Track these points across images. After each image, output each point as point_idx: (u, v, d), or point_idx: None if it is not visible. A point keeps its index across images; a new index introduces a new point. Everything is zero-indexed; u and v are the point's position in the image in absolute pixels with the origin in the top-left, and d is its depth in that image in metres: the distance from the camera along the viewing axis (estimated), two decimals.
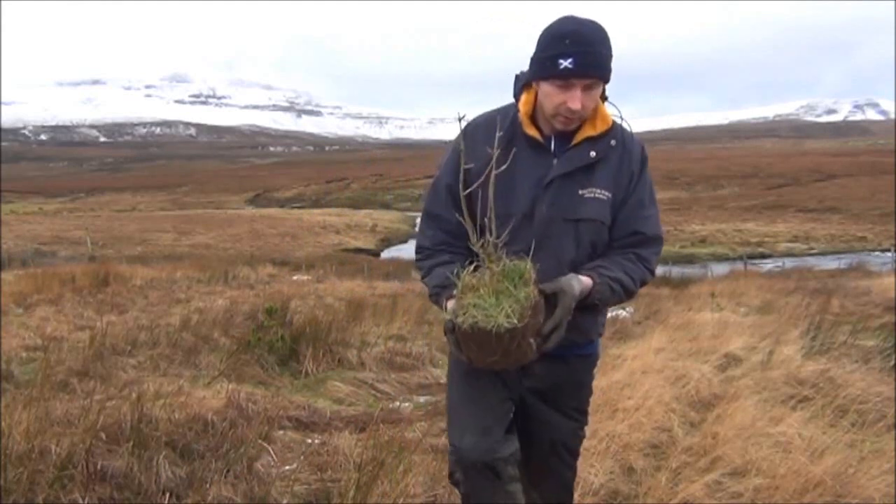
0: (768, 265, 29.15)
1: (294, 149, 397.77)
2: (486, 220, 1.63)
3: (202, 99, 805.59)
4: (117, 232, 45.78)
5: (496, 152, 1.63)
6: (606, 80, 1.71)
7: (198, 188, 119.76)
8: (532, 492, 1.96)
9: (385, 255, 43.28)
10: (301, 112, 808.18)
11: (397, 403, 4.49)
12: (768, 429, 3.11)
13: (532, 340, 1.57)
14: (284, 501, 2.67)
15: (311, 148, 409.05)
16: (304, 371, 5.08)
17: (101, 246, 36.18)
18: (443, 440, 3.43)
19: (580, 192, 1.77)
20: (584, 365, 1.96)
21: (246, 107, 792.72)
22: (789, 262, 29.52)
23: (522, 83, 1.83)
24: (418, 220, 2.02)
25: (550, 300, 1.63)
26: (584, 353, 1.93)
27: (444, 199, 1.86)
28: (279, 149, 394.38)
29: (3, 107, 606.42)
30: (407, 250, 37.81)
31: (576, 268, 1.77)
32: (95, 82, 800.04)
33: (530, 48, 1.75)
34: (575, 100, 1.67)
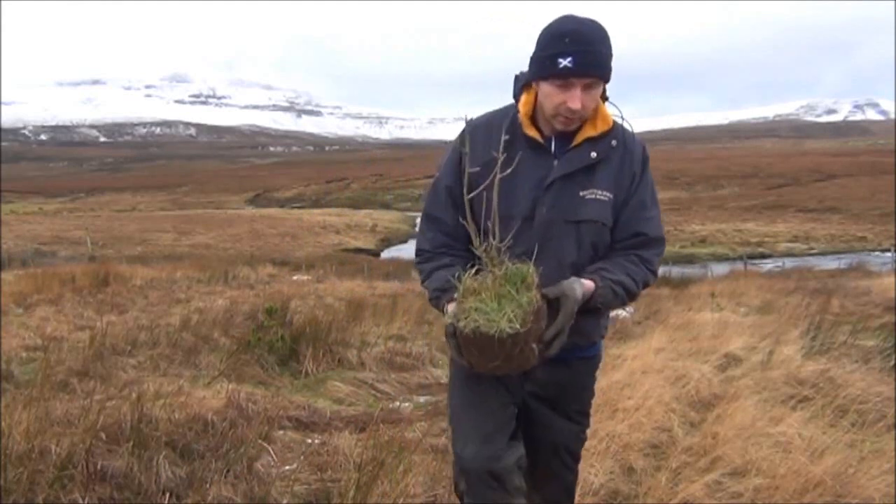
0: (768, 265, 29.16)
1: (294, 149, 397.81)
2: (488, 223, 1.61)
3: (202, 99, 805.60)
4: (117, 232, 45.79)
5: (500, 156, 1.61)
6: (607, 80, 1.69)
7: (198, 188, 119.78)
8: (534, 495, 1.95)
9: (385, 255, 43.28)
10: (301, 112, 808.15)
11: (397, 403, 4.49)
12: (768, 429, 3.11)
13: (534, 345, 1.55)
14: (284, 501, 2.67)
15: (311, 148, 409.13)
16: (304, 371, 5.08)
17: (101, 246, 36.18)
18: (443, 440, 3.44)
19: (581, 193, 1.75)
20: (586, 367, 1.94)
21: (246, 107, 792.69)
22: (789, 262, 29.52)
23: (522, 84, 1.81)
24: (418, 220, 2.01)
25: (553, 305, 1.61)
26: (586, 355, 1.91)
27: (444, 201, 1.84)
28: (279, 149, 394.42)
29: (3, 107, 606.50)
30: (407, 250, 37.81)
31: (577, 270, 1.75)
32: (95, 82, 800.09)
33: (530, 48, 1.74)
34: (575, 99, 1.65)
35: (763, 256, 37.61)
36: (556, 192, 1.74)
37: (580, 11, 1.71)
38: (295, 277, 17.54)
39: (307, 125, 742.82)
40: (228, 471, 2.80)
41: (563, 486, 2.00)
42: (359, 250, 44.15)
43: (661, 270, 1.96)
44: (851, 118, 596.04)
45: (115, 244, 38.67)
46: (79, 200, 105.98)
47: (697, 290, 12.45)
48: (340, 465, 3.04)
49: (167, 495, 2.55)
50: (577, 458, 2.01)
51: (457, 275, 1.63)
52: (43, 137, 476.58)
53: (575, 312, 1.61)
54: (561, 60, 1.62)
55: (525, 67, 1.79)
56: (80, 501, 2.40)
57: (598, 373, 2.02)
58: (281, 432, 3.54)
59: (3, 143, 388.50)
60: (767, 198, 67.82)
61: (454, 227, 1.81)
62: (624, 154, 1.79)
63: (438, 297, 1.77)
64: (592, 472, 2.75)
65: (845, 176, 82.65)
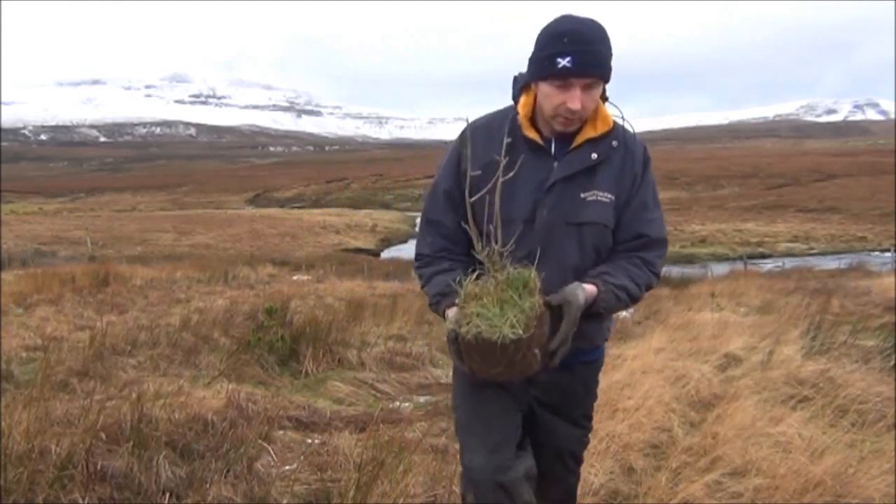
0: (768, 265, 29.14)
1: (294, 149, 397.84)
2: (489, 226, 1.59)
3: (202, 99, 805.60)
4: (117, 232, 45.78)
5: (503, 160, 1.59)
6: (606, 80, 1.67)
7: (198, 188, 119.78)
8: (538, 500, 1.92)
9: (385, 255, 43.27)
10: (301, 112, 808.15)
11: (397, 403, 4.49)
12: (768, 429, 3.11)
13: (537, 351, 1.53)
14: (284, 501, 2.67)
15: (311, 148, 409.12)
16: (304, 371, 5.08)
17: (101, 246, 36.18)
18: (443, 440, 3.44)
19: (582, 195, 1.73)
20: (589, 371, 1.92)
21: (246, 107, 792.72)
22: (789, 262, 29.51)
23: (521, 85, 1.79)
24: (418, 220, 2.00)
25: (555, 312, 1.58)
26: (589, 359, 1.90)
27: (443, 205, 1.81)
28: (279, 149, 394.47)
29: (3, 107, 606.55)
30: (407, 250, 37.81)
31: (580, 273, 1.73)
32: (95, 82, 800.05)
33: (530, 48, 1.73)
34: (574, 100, 1.63)
35: (763, 256, 37.60)
36: (556, 195, 1.72)
37: (580, 11, 1.69)
38: (295, 277, 17.53)
39: (307, 125, 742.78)
40: (228, 471, 2.80)
41: (564, 490, 1.99)
42: (359, 250, 44.15)
43: (662, 270, 1.94)
44: (851, 118, 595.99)
45: (115, 244, 38.67)
46: (79, 200, 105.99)
47: (697, 290, 12.45)
48: (340, 465, 3.04)
49: (167, 495, 2.55)
50: (579, 462, 2.00)
51: (457, 279, 1.61)
52: (43, 137, 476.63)
53: (578, 319, 1.59)
54: (560, 60, 1.60)
55: (525, 68, 1.77)
56: (80, 501, 2.40)
57: (601, 375, 2.01)
58: (281, 432, 3.54)
59: (3, 143, 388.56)
60: (767, 198, 67.82)
61: (454, 230, 1.79)
62: (625, 155, 1.76)
63: (438, 302, 1.74)
64: (592, 472, 2.75)
65: (845, 176, 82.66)
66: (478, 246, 1.59)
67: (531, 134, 1.74)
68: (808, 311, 7.89)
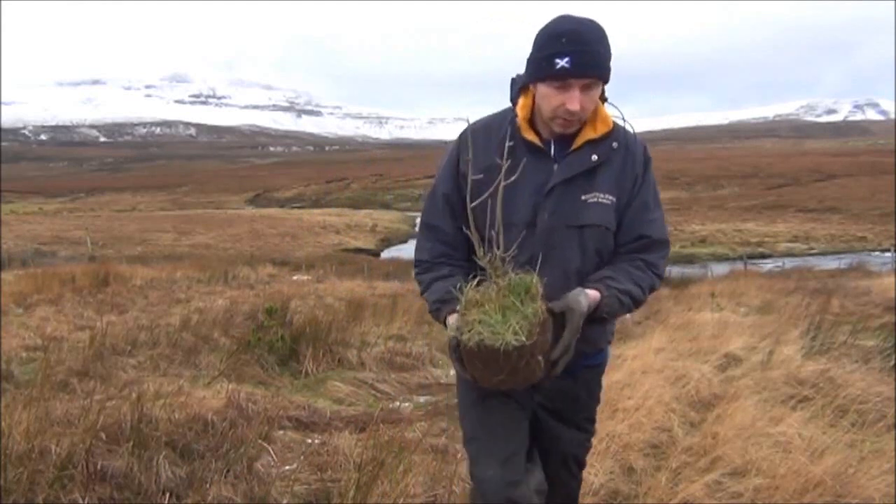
0: (768, 265, 29.14)
1: (294, 149, 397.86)
2: (492, 231, 1.56)
3: (202, 99, 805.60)
4: (117, 232, 45.78)
5: (504, 163, 1.56)
6: (605, 81, 1.65)
7: (198, 188, 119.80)
8: None
9: (385, 255, 43.28)
10: (301, 112, 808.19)
11: (397, 403, 4.49)
12: (768, 429, 3.11)
13: (540, 358, 1.50)
14: (284, 501, 2.67)
15: (311, 148, 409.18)
16: (304, 371, 5.09)
17: (101, 246, 36.18)
18: (443, 440, 3.44)
19: (583, 197, 1.70)
20: (593, 375, 1.91)
21: (246, 107, 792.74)
22: (789, 262, 29.51)
23: (519, 86, 1.76)
24: (418, 220, 1.98)
25: (558, 319, 1.56)
26: (593, 363, 1.88)
27: (442, 210, 1.79)
28: (279, 149, 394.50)
29: (3, 107, 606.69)
30: (407, 250, 37.81)
31: (582, 277, 1.71)
32: (95, 82, 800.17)
33: (530, 48, 1.70)
34: (573, 101, 1.61)
35: (763, 256, 37.60)
36: (557, 197, 1.70)
37: (580, 11, 1.68)
38: (295, 277, 17.54)
39: (307, 125, 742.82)
40: (228, 471, 2.80)
41: (567, 493, 1.97)
42: (359, 250, 44.15)
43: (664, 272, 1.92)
44: (851, 118, 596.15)
45: (115, 244, 38.67)
46: (79, 200, 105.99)
47: (697, 290, 12.44)
48: (340, 465, 3.04)
49: (167, 495, 2.55)
50: (582, 466, 1.98)
51: (458, 286, 1.58)
52: (43, 137, 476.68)
53: (581, 326, 1.57)
54: (558, 61, 1.58)
55: (524, 68, 1.74)
56: (80, 501, 2.40)
57: (604, 378, 1.99)
58: (281, 432, 3.54)
59: (3, 143, 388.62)
60: (767, 198, 67.82)
61: (453, 235, 1.77)
62: (625, 156, 1.74)
63: (439, 309, 1.72)
64: (592, 472, 2.75)
65: (845, 176, 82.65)
66: (479, 251, 1.56)
67: (530, 136, 1.72)
68: (808, 311, 7.89)
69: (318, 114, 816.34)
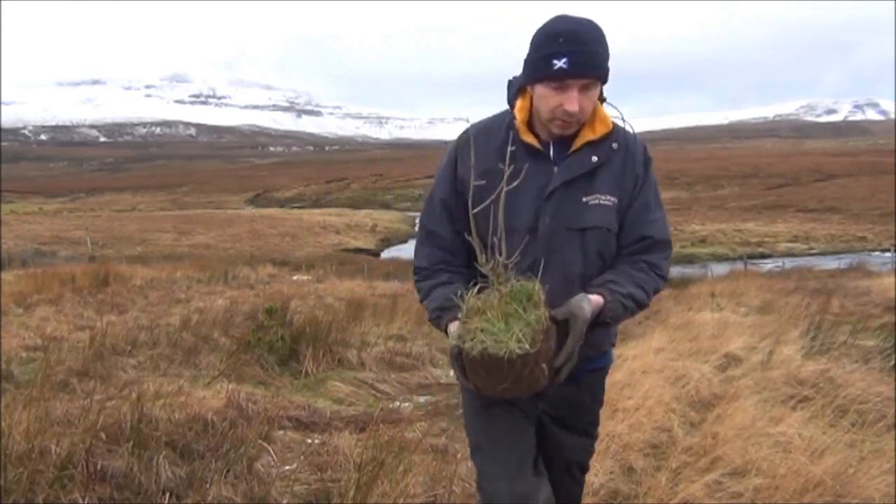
0: (768, 265, 29.13)
1: (294, 149, 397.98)
2: (494, 238, 1.53)
3: (202, 99, 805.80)
4: (117, 232, 45.78)
5: (508, 169, 1.53)
6: (604, 81, 1.63)
7: (198, 188, 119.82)
8: None
9: (385, 255, 43.28)
10: (301, 112, 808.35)
11: (397, 403, 4.49)
12: (768, 429, 3.11)
13: (544, 366, 1.48)
14: (284, 501, 2.67)
15: (311, 148, 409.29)
16: (304, 371, 5.09)
17: (101, 246, 36.18)
18: (443, 440, 3.44)
19: (583, 199, 1.67)
20: (597, 379, 1.88)
21: (246, 107, 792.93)
22: (789, 262, 29.49)
23: (517, 88, 1.73)
24: (417, 220, 1.97)
25: (561, 326, 1.53)
26: (597, 367, 1.85)
27: (440, 215, 1.76)
28: (279, 149, 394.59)
29: (3, 107, 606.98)
30: (407, 250, 37.81)
31: (585, 282, 1.68)
32: (95, 82, 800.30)
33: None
34: (572, 101, 1.58)
35: (763, 256, 37.58)
36: (557, 200, 1.67)
37: (579, 11, 1.66)
38: (295, 277, 17.54)
39: (307, 125, 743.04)
40: (228, 471, 2.80)
41: (569, 498, 1.95)
42: (359, 250, 44.15)
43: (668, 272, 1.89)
44: (851, 118, 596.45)
45: (115, 244, 38.67)
46: (79, 200, 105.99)
47: (697, 290, 12.44)
48: (340, 465, 3.04)
49: (167, 495, 2.55)
50: (585, 471, 1.96)
51: (459, 293, 1.55)
52: (43, 137, 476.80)
53: (584, 333, 1.54)
54: (556, 62, 1.56)
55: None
56: (80, 501, 2.40)
57: (606, 379, 1.96)
58: (281, 432, 3.54)
59: (3, 143, 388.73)
60: (767, 198, 67.82)
61: (452, 241, 1.75)
62: (626, 156, 1.72)
63: (439, 317, 1.69)
64: (592, 472, 2.74)
65: (845, 176, 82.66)
66: (481, 259, 1.53)
67: (529, 139, 1.69)
68: (808, 311, 7.89)
69: (318, 114, 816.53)
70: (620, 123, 1.75)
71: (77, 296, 10.69)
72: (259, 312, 6.76)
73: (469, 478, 2.76)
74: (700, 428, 3.35)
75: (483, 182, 1.62)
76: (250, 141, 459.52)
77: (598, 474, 2.76)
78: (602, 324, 1.64)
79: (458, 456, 3.12)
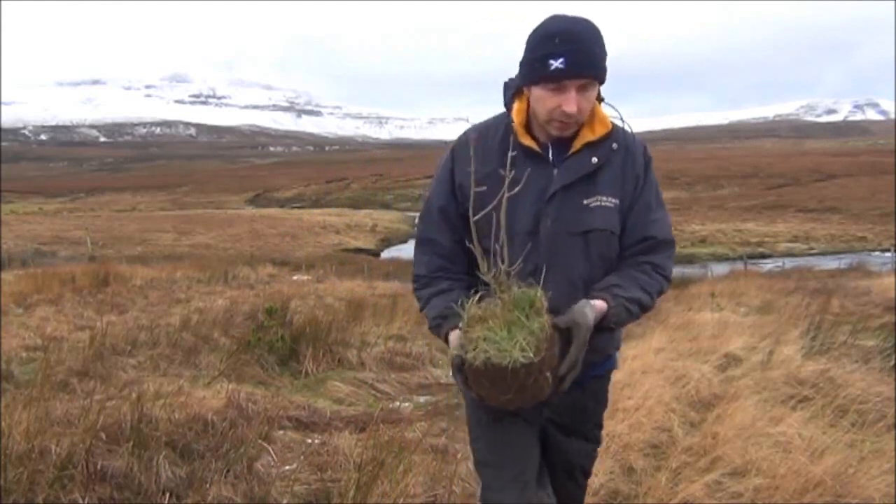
0: (768, 265, 29.13)
1: (294, 149, 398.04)
2: (496, 245, 1.50)
3: (202, 99, 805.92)
4: (117, 232, 45.78)
5: (509, 175, 1.51)
6: (601, 81, 1.60)
7: (198, 188, 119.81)
8: None
9: (385, 255, 43.28)
10: (301, 112, 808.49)
11: (397, 403, 4.49)
12: (768, 429, 3.11)
13: (548, 375, 1.45)
14: (284, 501, 2.67)
15: (311, 148, 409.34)
16: (304, 371, 5.09)
17: (101, 246, 36.18)
18: (443, 440, 3.44)
19: (584, 202, 1.65)
20: (601, 383, 1.87)
21: (246, 107, 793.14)
22: (789, 262, 29.49)
23: (513, 91, 1.71)
24: (417, 219, 1.95)
25: (564, 333, 1.50)
26: (601, 372, 1.83)
27: (438, 222, 1.73)
28: (279, 149, 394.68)
29: (3, 107, 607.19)
30: (407, 250, 37.79)
31: (588, 285, 1.65)
32: (95, 82, 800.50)
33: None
34: (570, 102, 1.55)
35: (763, 256, 37.57)
36: (558, 203, 1.64)
37: (579, 11, 1.65)
38: (295, 277, 17.54)
39: (307, 125, 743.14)
40: (228, 471, 2.80)
41: (572, 501, 1.93)
42: (359, 250, 44.15)
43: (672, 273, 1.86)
44: (851, 118, 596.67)
45: (115, 244, 38.66)
46: (79, 200, 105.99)
47: (697, 290, 12.44)
48: (340, 465, 3.04)
49: (167, 495, 2.55)
50: (588, 475, 1.94)
51: (459, 302, 1.52)
52: (43, 137, 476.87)
53: (588, 341, 1.51)
54: (552, 62, 1.53)
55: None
56: (80, 501, 2.40)
57: (610, 384, 1.94)
58: (281, 432, 3.54)
59: (3, 143, 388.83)
60: (767, 198, 67.81)
61: (450, 248, 1.72)
62: (626, 157, 1.70)
63: (440, 325, 1.66)
64: (592, 472, 2.75)
65: (845, 176, 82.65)
66: (483, 267, 1.50)
67: (527, 141, 1.66)
68: (808, 311, 7.89)
69: (318, 114, 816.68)
70: (619, 123, 1.73)
71: (77, 296, 10.69)
72: (259, 312, 6.76)
73: (469, 478, 2.76)
74: (700, 428, 3.35)
75: (484, 188, 1.59)
76: (250, 141, 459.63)
77: (598, 474, 2.76)
78: (606, 329, 1.61)
79: (458, 456, 3.12)
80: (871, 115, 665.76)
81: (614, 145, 1.68)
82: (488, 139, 1.70)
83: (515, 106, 1.69)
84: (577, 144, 1.66)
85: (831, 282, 14.23)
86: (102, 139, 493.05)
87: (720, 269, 24.73)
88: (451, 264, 1.73)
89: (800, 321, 6.67)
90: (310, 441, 3.48)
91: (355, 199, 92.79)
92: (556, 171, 1.66)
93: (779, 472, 2.66)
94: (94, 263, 17.78)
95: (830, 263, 25.51)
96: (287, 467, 3.06)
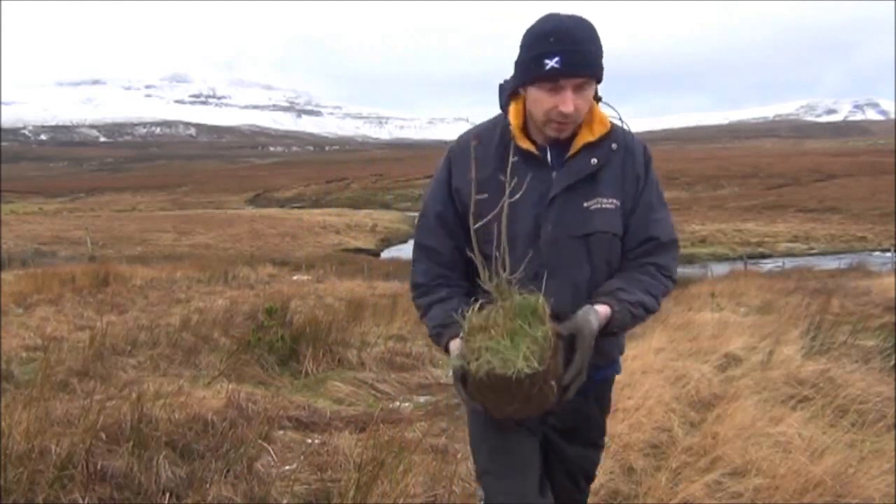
0: (768, 265, 29.13)
1: (294, 149, 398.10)
2: (496, 252, 1.47)
3: (202, 99, 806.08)
4: (117, 232, 45.78)
5: (510, 184, 1.48)
6: (598, 79, 1.57)
7: (198, 188, 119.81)
8: None
9: (385, 255, 43.29)
10: (301, 112, 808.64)
11: (397, 403, 4.49)
12: (768, 429, 3.12)
13: (553, 384, 1.41)
14: (284, 501, 2.67)
15: (311, 148, 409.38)
16: (304, 371, 5.09)
17: (101, 246, 36.18)
18: (443, 440, 3.44)
19: (585, 204, 1.61)
20: (605, 389, 1.83)
21: (246, 107, 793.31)
22: (789, 262, 29.49)
23: (509, 93, 1.67)
24: (416, 219, 1.93)
25: (567, 341, 1.47)
26: (605, 376, 1.80)
27: (436, 229, 1.70)
28: (279, 149, 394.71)
29: (3, 107, 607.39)
30: (406, 250, 37.78)
31: (592, 289, 1.62)
32: (95, 82, 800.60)
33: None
34: (566, 102, 1.52)
35: (763, 256, 37.58)
36: (559, 207, 1.61)
37: (579, 11, 1.63)
38: (295, 277, 17.54)
39: (307, 125, 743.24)
40: (228, 471, 2.80)
41: None
42: (359, 250, 44.15)
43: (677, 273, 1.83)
44: (851, 118, 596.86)
45: (115, 244, 38.66)
46: (79, 200, 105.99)
47: (697, 290, 12.43)
48: (340, 465, 3.04)
49: (167, 495, 2.56)
50: (591, 481, 1.91)
51: (461, 311, 1.49)
52: (43, 137, 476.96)
53: (592, 348, 1.48)
54: (547, 61, 1.49)
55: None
56: (80, 501, 2.40)
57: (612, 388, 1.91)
58: (281, 432, 3.54)
59: (3, 143, 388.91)
60: (767, 198, 67.81)
61: (449, 255, 1.69)
62: (625, 157, 1.66)
63: (440, 334, 1.63)
64: None
65: (845, 176, 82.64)
66: (484, 276, 1.46)
67: (525, 144, 1.62)
68: (808, 311, 7.89)
69: (318, 114, 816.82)
70: (617, 123, 1.70)
71: (77, 296, 10.69)
72: (259, 312, 6.76)
73: (469, 478, 2.76)
74: (700, 428, 3.35)
75: (485, 196, 1.57)
76: (250, 141, 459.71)
77: (598, 474, 2.75)
78: (610, 333, 1.59)
79: (458, 456, 3.12)
80: (871, 115, 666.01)
81: (614, 146, 1.65)
82: (485, 143, 1.66)
83: (512, 108, 1.65)
84: (576, 146, 1.63)
85: (831, 282, 14.24)
86: (102, 139, 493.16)
87: (720, 269, 24.73)
88: (450, 272, 1.70)
89: (800, 321, 6.67)
90: (310, 441, 3.48)
91: (355, 199, 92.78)
92: (555, 174, 1.63)
93: (779, 472, 2.66)
94: (94, 263, 17.78)
95: (830, 263, 25.51)
96: (287, 467, 3.06)
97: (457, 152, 1.69)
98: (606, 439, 1.93)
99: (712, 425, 3.25)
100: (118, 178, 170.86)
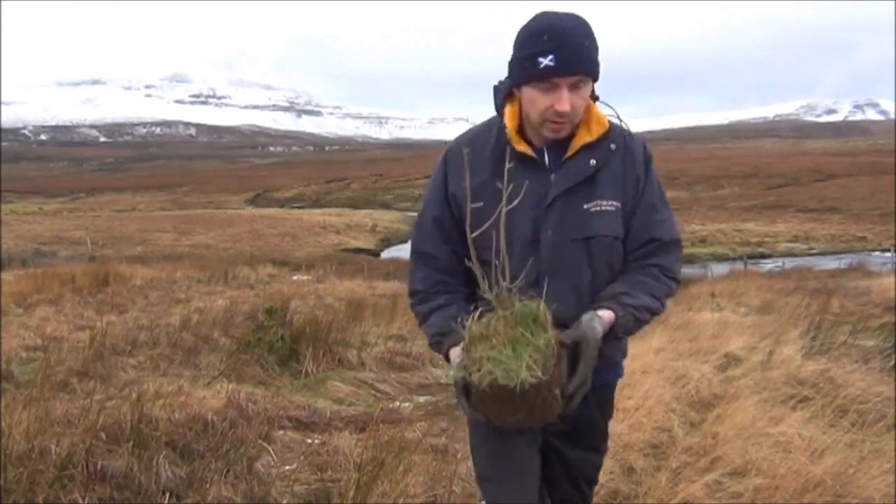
0: (768, 265, 29.12)
1: (294, 149, 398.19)
2: (496, 260, 1.44)
3: (202, 99, 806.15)
4: (117, 232, 45.78)
5: (507, 190, 1.45)
6: (595, 77, 1.52)
7: (198, 188, 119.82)
8: None
9: (385, 255, 43.29)
10: (301, 112, 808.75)
11: (397, 403, 4.49)
12: (768, 429, 3.12)
13: (557, 392, 1.38)
14: (284, 501, 2.67)
15: (311, 148, 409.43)
16: (304, 371, 5.09)
17: (101, 246, 36.18)
18: (443, 440, 3.44)
19: (585, 206, 1.57)
20: (607, 393, 1.80)
21: (246, 107, 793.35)
22: (789, 262, 29.48)
23: (504, 94, 1.63)
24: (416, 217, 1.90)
25: (570, 347, 1.43)
26: (607, 381, 1.77)
27: (433, 235, 1.66)
28: (279, 149, 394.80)
29: (3, 107, 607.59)
30: (406, 250, 37.75)
31: (594, 293, 1.59)
32: (95, 82, 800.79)
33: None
34: (562, 101, 1.48)
35: (763, 256, 37.58)
36: (559, 210, 1.57)
37: (578, 11, 1.61)
38: (295, 277, 17.54)
39: (307, 125, 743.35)
40: (228, 471, 2.80)
41: None
42: (359, 250, 44.16)
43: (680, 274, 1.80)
44: (851, 118, 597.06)
45: (115, 244, 38.67)
46: (79, 200, 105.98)
47: (697, 290, 12.43)
48: (340, 465, 3.04)
49: (167, 495, 2.56)
50: (593, 485, 1.88)
51: (460, 319, 1.45)
52: (43, 137, 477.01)
53: (597, 355, 1.45)
54: (542, 60, 1.45)
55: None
56: (80, 501, 2.40)
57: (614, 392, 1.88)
58: (281, 432, 3.54)
59: (3, 143, 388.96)
60: (767, 198, 67.80)
61: (447, 261, 1.66)
62: (625, 156, 1.62)
63: (440, 343, 1.60)
64: None
65: (845, 176, 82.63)
66: (483, 285, 1.43)
67: (522, 147, 1.58)
68: (808, 311, 7.89)
69: (318, 114, 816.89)
70: (616, 122, 1.66)
71: (77, 296, 10.70)
72: (259, 312, 6.76)
73: (469, 478, 2.76)
74: (700, 428, 3.35)
75: (480, 204, 1.53)
76: (250, 141, 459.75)
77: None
78: (614, 338, 1.56)
79: (458, 456, 3.12)
80: (871, 115, 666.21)
81: (612, 146, 1.61)
82: (482, 147, 1.62)
83: (507, 110, 1.61)
84: (574, 147, 1.59)
85: (831, 282, 14.24)
86: (102, 139, 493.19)
87: (720, 269, 24.73)
88: (449, 277, 1.67)
89: (800, 321, 6.67)
90: (310, 441, 3.48)
91: (355, 199, 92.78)
92: (553, 177, 1.59)
93: (779, 472, 2.66)
94: (94, 263, 17.79)
95: (830, 263, 25.51)
96: (287, 467, 3.06)
97: (452, 156, 1.66)
98: (608, 442, 1.93)
99: (712, 425, 3.25)
100: (118, 178, 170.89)
